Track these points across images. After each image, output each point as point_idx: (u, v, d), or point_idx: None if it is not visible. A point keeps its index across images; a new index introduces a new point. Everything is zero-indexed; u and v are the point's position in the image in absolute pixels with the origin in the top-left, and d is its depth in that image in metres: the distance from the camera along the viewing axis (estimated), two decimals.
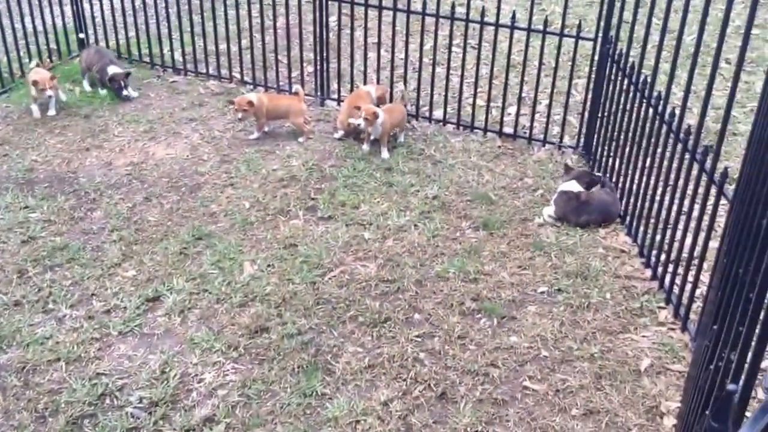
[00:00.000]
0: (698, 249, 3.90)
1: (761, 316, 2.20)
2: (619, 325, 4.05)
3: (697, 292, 3.98)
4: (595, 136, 5.49)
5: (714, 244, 3.93)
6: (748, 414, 2.04)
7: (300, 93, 6.00)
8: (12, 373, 3.69)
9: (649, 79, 4.43)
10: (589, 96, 5.56)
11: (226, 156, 5.69)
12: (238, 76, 6.84)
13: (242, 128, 6.06)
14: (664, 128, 4.21)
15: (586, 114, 5.66)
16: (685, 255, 4.04)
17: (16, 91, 6.60)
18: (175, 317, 4.07)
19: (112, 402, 3.56)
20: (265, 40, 6.51)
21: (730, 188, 3.56)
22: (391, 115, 5.69)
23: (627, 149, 4.75)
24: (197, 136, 5.96)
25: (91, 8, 7.23)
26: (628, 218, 4.80)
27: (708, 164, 3.77)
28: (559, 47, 5.58)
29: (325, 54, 6.34)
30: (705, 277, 4.06)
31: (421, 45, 5.98)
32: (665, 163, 4.22)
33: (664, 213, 4.24)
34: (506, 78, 5.84)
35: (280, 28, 6.72)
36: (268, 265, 4.46)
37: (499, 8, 5.55)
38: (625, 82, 4.79)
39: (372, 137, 5.70)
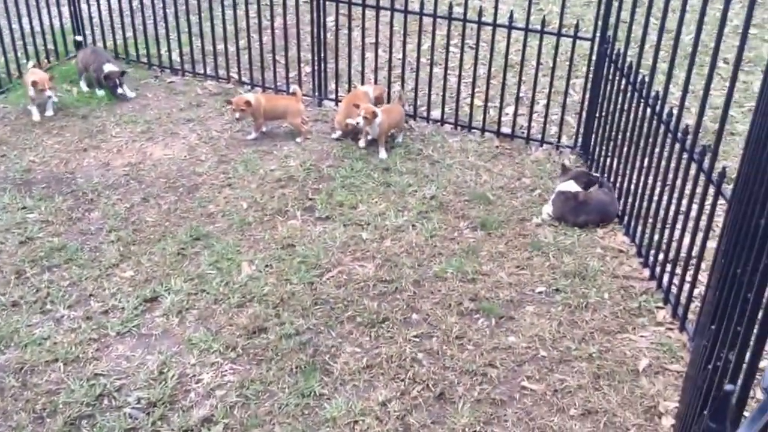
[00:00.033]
0: (696, 249, 3.91)
1: (759, 316, 2.20)
2: (618, 325, 4.05)
3: (695, 291, 3.98)
4: (593, 136, 5.50)
5: (712, 243, 3.94)
6: (746, 414, 2.04)
7: (298, 93, 6.00)
8: (10, 374, 3.68)
9: (646, 79, 4.43)
10: (587, 96, 5.56)
11: (223, 156, 5.68)
12: (236, 76, 6.83)
13: (240, 128, 6.05)
14: (662, 128, 4.22)
15: (584, 114, 5.66)
16: (683, 255, 4.04)
17: (14, 91, 6.59)
18: (173, 318, 4.07)
19: (110, 403, 3.55)
20: (262, 40, 6.50)
21: (728, 188, 3.56)
22: (389, 115, 5.70)
23: (625, 149, 4.75)
24: (195, 137, 5.95)
25: (89, 9, 7.22)
26: (626, 218, 4.80)
27: (706, 164, 3.77)
28: (556, 47, 5.58)
29: (322, 54, 6.34)
30: (703, 277, 4.06)
31: (419, 45, 5.98)
32: (663, 162, 4.23)
33: (662, 213, 4.25)
34: (504, 78, 5.84)
35: (277, 28, 6.71)
36: (266, 266, 4.46)
37: (496, 8, 5.55)
38: (623, 81, 4.79)
39: (370, 137, 5.70)
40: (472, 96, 6.08)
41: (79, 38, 7.12)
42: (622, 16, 5.04)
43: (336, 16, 6.20)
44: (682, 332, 3.98)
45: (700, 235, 3.87)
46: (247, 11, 6.39)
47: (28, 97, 6.13)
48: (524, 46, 5.60)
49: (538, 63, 5.77)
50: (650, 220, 4.41)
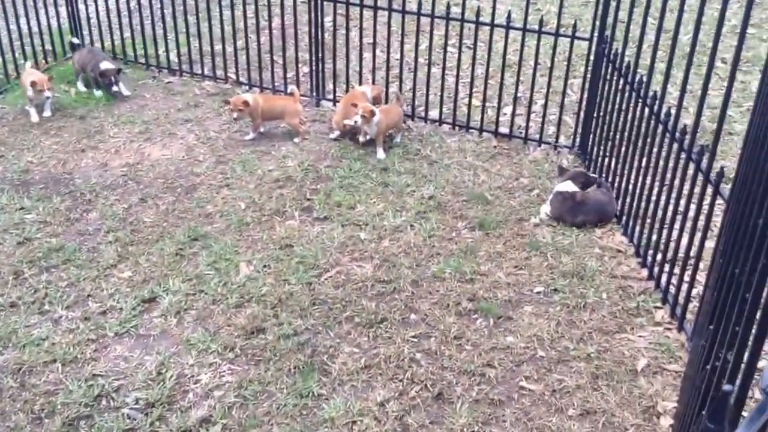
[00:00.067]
0: (694, 249, 3.91)
1: (758, 316, 2.21)
2: (616, 325, 4.05)
3: (694, 291, 3.98)
4: (591, 135, 5.50)
5: (710, 243, 3.93)
6: (744, 414, 2.04)
7: (295, 93, 6.00)
8: (8, 375, 3.68)
9: (644, 79, 4.44)
10: (585, 96, 5.57)
11: (221, 157, 5.68)
12: (234, 76, 6.83)
13: (238, 129, 6.05)
14: (660, 128, 4.22)
15: (582, 114, 5.66)
16: (681, 255, 4.04)
17: (11, 92, 6.59)
18: (171, 318, 4.06)
19: (108, 403, 3.55)
20: (260, 40, 6.50)
21: (726, 188, 3.56)
22: (388, 115, 5.70)
23: (623, 149, 4.75)
24: (193, 137, 5.95)
25: (87, 9, 7.21)
26: (624, 218, 4.81)
27: (704, 164, 3.77)
28: (554, 47, 5.58)
29: (320, 54, 6.34)
30: (701, 277, 4.06)
31: (417, 45, 5.98)
32: (661, 162, 4.23)
33: (660, 213, 4.25)
34: (502, 78, 5.84)
35: (275, 28, 6.70)
36: (264, 266, 4.46)
37: (494, 8, 5.55)
38: (621, 81, 4.79)
39: (368, 136, 5.71)
40: (470, 96, 6.08)
41: (76, 40, 7.11)
42: (619, 15, 5.05)
43: (334, 17, 6.20)
44: (680, 332, 3.99)
45: (698, 235, 3.87)
46: (244, 11, 6.39)
47: (27, 97, 6.12)
48: (522, 46, 5.61)
49: (536, 63, 5.76)
50: (648, 220, 4.41)
